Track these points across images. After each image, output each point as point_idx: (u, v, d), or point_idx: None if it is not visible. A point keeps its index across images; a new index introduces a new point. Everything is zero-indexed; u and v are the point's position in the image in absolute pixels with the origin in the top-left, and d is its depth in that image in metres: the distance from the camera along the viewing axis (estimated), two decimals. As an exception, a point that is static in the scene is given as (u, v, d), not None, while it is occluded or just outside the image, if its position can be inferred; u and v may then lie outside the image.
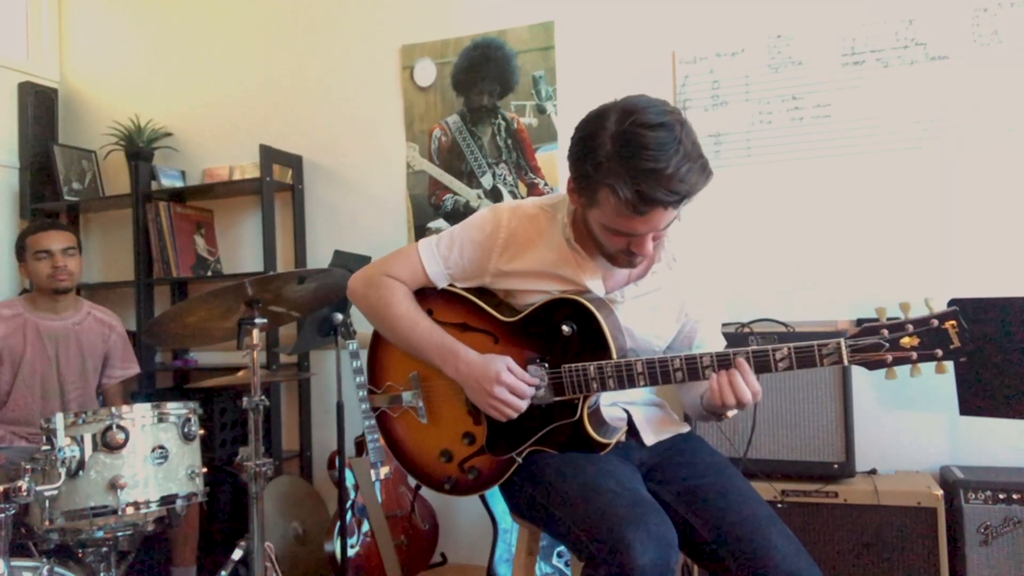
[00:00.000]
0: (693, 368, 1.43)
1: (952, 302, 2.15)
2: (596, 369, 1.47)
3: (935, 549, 2.21)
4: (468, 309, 1.62)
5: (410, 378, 1.68)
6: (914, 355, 1.32)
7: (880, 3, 2.62)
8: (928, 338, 1.31)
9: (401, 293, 1.64)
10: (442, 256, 1.62)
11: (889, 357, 1.32)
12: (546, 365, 1.52)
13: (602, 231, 1.43)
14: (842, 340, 1.34)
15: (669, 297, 1.59)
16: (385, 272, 1.66)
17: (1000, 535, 2.20)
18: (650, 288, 1.57)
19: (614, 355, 1.47)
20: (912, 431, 2.57)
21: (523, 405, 1.51)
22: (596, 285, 1.54)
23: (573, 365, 1.49)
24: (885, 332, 1.33)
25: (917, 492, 2.25)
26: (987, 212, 2.52)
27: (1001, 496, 2.20)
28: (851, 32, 2.65)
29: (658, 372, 1.45)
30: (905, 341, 1.32)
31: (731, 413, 1.45)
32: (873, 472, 2.46)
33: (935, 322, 1.31)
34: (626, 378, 1.46)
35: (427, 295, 1.66)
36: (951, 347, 1.30)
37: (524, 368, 1.53)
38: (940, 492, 2.24)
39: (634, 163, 1.28)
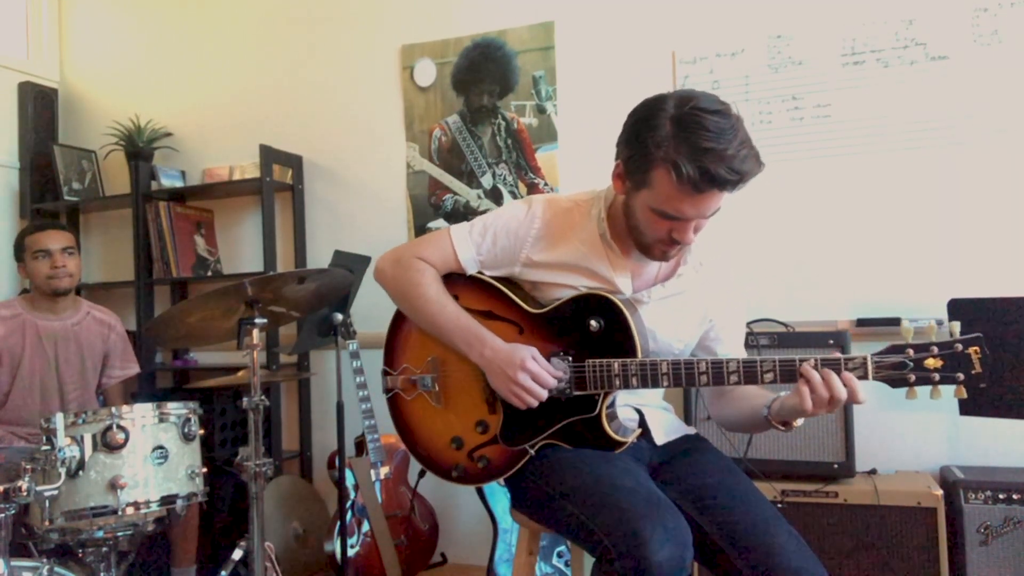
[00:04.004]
0: (719, 372, 1.43)
1: (951, 302, 2.17)
2: (620, 366, 1.48)
3: (935, 549, 2.21)
4: (495, 297, 1.62)
5: (428, 362, 1.68)
6: (936, 377, 1.35)
7: (880, 3, 2.62)
8: (951, 362, 1.34)
9: (430, 275, 1.64)
10: (475, 243, 1.63)
11: (912, 377, 1.36)
12: (570, 359, 1.53)
13: (647, 215, 1.43)
14: (868, 356, 1.36)
15: (693, 301, 1.60)
16: (416, 254, 1.66)
17: (1000, 535, 2.19)
18: (676, 290, 1.58)
19: (639, 355, 1.48)
20: (912, 431, 2.56)
21: (544, 394, 1.51)
22: (625, 283, 1.56)
23: (597, 361, 1.50)
24: (910, 352, 1.36)
25: (917, 492, 2.25)
26: (987, 212, 2.52)
27: (1001, 496, 2.20)
28: (851, 32, 2.65)
29: (683, 374, 1.45)
30: (929, 363, 1.35)
31: (798, 422, 1.45)
32: (873, 472, 2.46)
33: (959, 347, 1.34)
34: (650, 377, 1.47)
35: (454, 281, 1.66)
36: (972, 372, 1.33)
37: (548, 360, 1.54)
38: (940, 492, 2.24)
39: (696, 142, 1.31)
